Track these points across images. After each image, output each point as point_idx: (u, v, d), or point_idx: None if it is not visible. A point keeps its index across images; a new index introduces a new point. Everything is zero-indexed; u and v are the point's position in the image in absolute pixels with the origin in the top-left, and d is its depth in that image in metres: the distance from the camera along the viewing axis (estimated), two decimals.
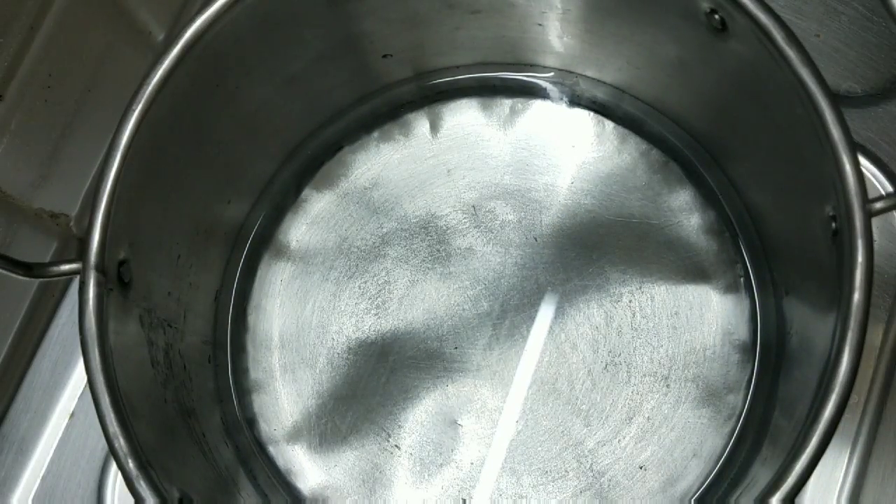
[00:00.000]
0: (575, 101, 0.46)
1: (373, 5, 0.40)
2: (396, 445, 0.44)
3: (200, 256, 0.43)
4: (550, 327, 0.44)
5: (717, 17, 0.35)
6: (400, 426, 0.44)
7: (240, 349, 0.45)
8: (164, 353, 0.39)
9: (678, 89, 0.43)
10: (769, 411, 0.41)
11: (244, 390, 0.45)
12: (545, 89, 0.47)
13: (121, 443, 0.33)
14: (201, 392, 0.42)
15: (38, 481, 0.46)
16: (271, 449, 0.44)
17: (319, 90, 0.45)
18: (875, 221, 0.32)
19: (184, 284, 0.41)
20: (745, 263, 0.44)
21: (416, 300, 0.45)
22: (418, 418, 0.44)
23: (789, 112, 0.34)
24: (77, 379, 0.47)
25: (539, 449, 0.43)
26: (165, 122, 0.36)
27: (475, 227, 0.45)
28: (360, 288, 0.45)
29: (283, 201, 0.46)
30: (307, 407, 0.44)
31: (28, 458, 0.46)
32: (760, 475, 0.36)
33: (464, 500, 0.43)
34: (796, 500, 0.32)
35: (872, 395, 0.44)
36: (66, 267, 0.34)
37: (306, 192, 0.47)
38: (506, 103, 0.47)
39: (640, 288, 0.44)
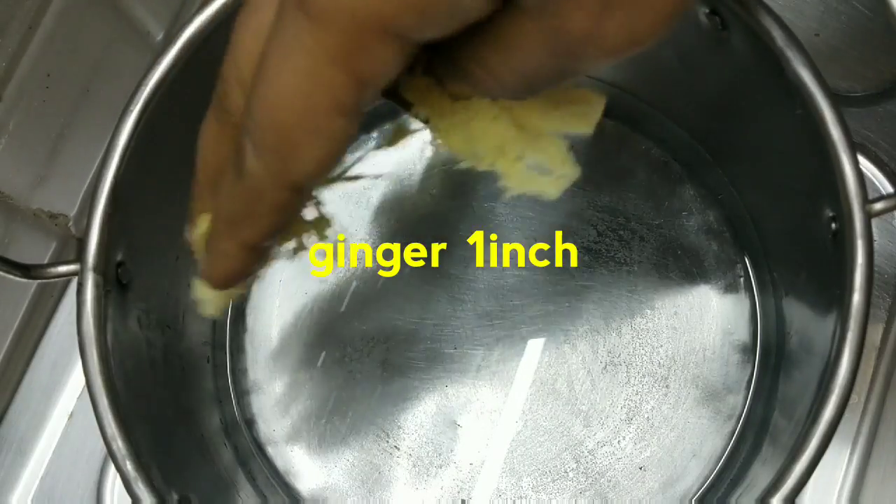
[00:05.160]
0: None
1: None
2: (396, 446, 0.44)
3: None
4: (550, 328, 0.44)
5: (716, 17, 0.35)
6: (399, 427, 0.44)
7: (239, 350, 0.45)
8: (162, 354, 0.39)
9: (678, 89, 0.43)
10: (769, 411, 0.41)
11: (243, 391, 0.45)
12: None
13: (119, 444, 0.32)
14: (200, 393, 0.42)
15: (37, 482, 0.46)
16: (270, 450, 0.44)
17: None
18: (875, 221, 0.32)
19: (182, 285, 0.41)
20: (745, 263, 0.44)
21: (416, 300, 0.45)
22: (418, 419, 0.44)
23: (789, 112, 0.34)
24: (76, 379, 0.47)
25: (539, 449, 0.43)
26: (164, 122, 0.36)
27: (475, 227, 0.45)
28: (359, 288, 0.45)
29: None
30: (306, 407, 0.44)
31: (27, 459, 0.46)
32: (760, 475, 0.36)
33: (463, 501, 0.43)
34: (796, 501, 0.32)
35: (872, 395, 0.44)
36: (63, 268, 0.34)
37: None
38: None
39: (640, 288, 0.44)
